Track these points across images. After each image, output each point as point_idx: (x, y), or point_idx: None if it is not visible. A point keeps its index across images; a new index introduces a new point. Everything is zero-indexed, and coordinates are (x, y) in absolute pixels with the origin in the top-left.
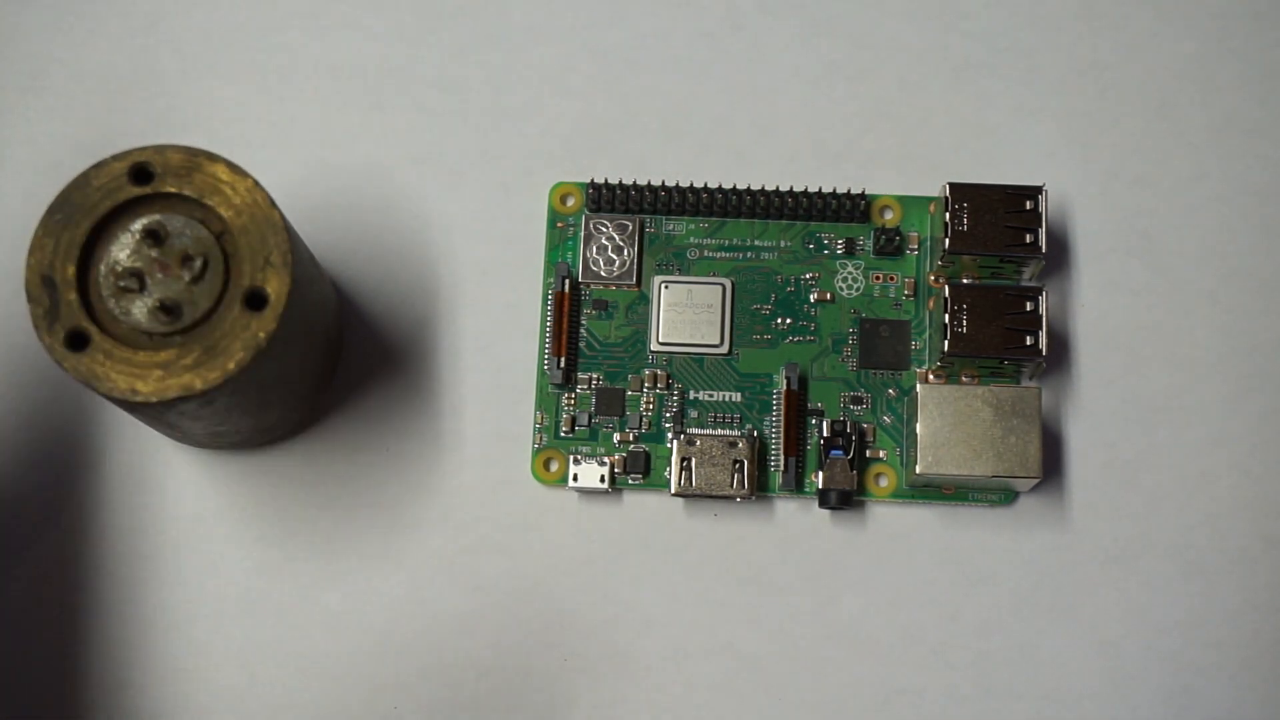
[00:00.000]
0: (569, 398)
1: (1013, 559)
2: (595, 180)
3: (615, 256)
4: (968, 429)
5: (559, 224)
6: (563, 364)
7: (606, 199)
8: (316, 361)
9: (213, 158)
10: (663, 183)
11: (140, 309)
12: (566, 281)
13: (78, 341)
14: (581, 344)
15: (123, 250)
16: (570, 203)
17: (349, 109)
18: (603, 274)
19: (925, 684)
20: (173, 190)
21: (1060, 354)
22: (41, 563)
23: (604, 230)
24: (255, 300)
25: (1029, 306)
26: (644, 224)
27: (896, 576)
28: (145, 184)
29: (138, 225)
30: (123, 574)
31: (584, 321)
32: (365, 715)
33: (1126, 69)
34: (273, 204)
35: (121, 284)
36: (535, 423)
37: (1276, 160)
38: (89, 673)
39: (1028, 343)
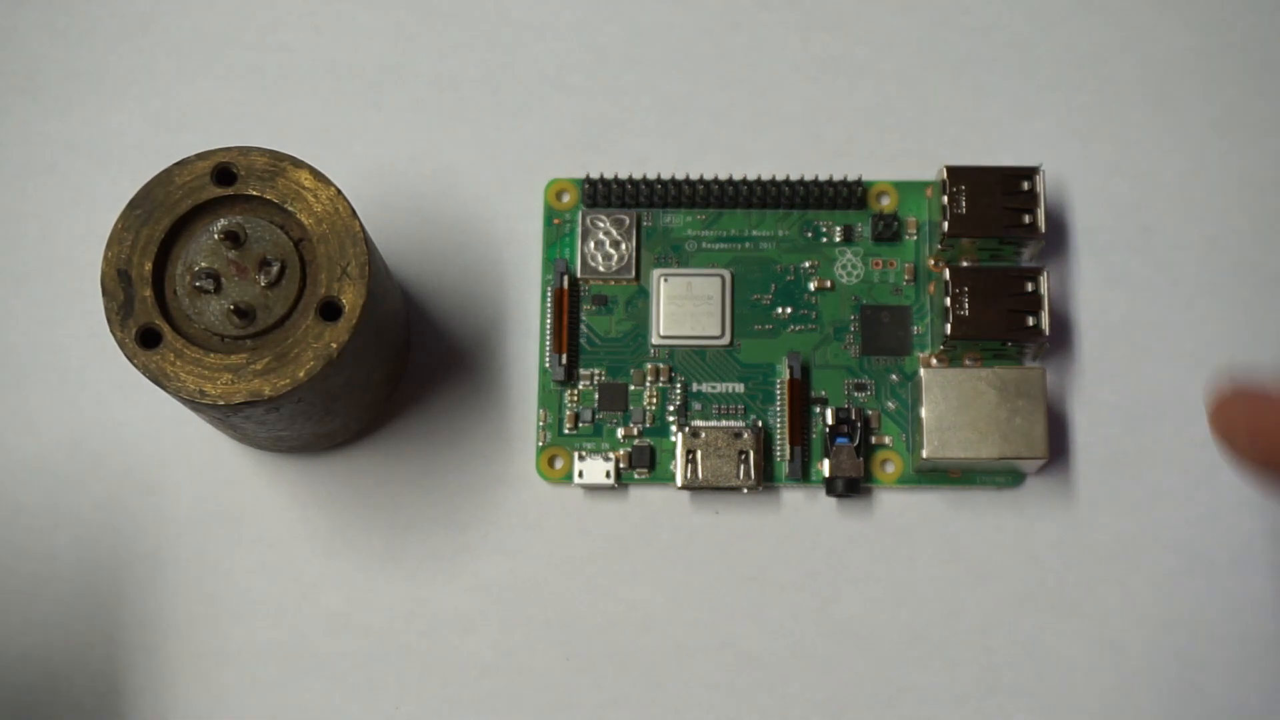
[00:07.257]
0: (571, 394)
1: (1020, 546)
2: (590, 175)
3: (613, 251)
4: (973, 412)
5: (555, 220)
6: (564, 360)
7: (602, 194)
8: (384, 372)
9: (297, 163)
10: (658, 176)
11: (214, 310)
12: (565, 278)
13: (150, 339)
14: (582, 340)
15: (201, 250)
16: (566, 199)
17: (346, 108)
18: (601, 269)
19: (930, 678)
20: (255, 193)
21: (1062, 334)
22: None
23: (601, 225)
24: (330, 310)
25: (1030, 287)
26: (641, 218)
27: (904, 566)
28: (228, 185)
29: (218, 226)
30: (121, 574)
31: (584, 317)
32: (365, 715)
33: (1125, 61)
34: (354, 214)
35: (197, 284)
36: (538, 420)
37: (1275, 152)
38: (88, 674)
39: (1030, 324)
